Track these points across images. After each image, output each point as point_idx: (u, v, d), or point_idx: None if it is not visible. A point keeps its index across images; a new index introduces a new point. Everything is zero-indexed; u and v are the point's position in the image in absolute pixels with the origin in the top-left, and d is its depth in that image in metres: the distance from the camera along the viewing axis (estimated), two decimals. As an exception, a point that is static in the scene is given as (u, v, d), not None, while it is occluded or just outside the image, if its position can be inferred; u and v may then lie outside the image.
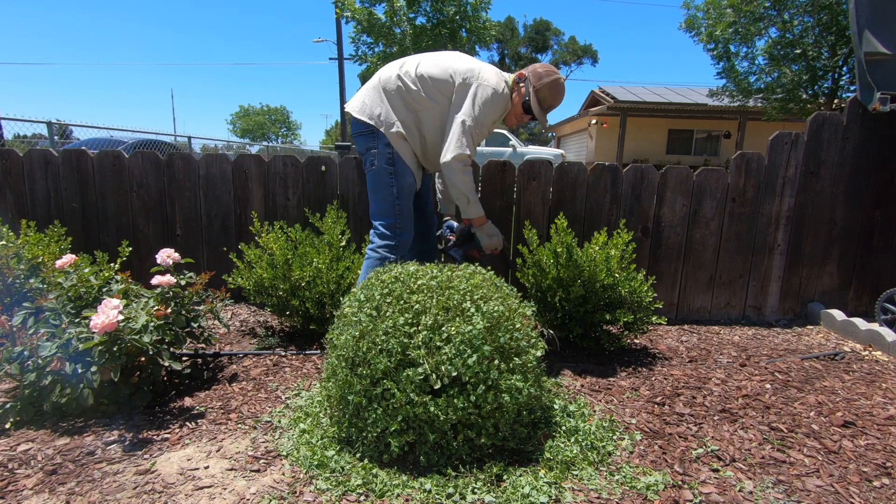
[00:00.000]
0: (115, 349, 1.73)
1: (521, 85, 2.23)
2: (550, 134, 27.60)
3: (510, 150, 13.06)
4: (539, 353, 1.63)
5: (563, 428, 1.71)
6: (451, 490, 1.40)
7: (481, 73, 2.15)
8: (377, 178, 2.23)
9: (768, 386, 2.16)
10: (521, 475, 1.47)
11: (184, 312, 2.06)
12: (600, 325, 2.40)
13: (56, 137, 6.04)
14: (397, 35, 10.31)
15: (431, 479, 1.44)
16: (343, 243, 2.62)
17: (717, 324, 3.04)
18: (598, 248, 2.40)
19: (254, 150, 18.31)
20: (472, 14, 10.12)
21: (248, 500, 1.38)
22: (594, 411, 1.90)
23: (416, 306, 1.56)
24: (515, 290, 1.85)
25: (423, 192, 2.45)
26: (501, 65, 33.37)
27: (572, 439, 1.66)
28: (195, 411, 1.86)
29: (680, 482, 1.49)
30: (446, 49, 10.42)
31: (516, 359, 1.56)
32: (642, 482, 1.47)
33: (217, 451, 1.61)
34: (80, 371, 1.70)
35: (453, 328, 1.50)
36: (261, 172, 3.04)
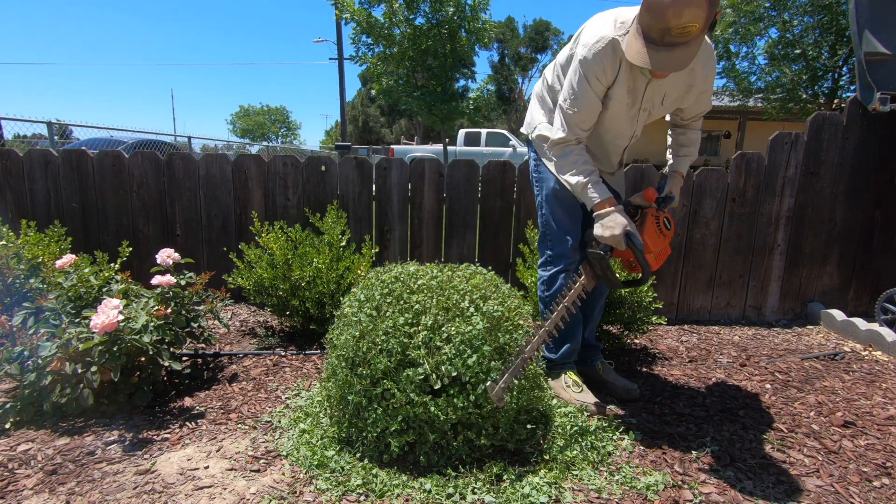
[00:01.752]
0: (115, 349, 1.73)
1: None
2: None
3: (510, 150, 13.06)
4: (538, 354, 1.63)
5: (563, 428, 1.71)
6: (451, 490, 1.40)
7: (581, 35, 1.70)
8: (532, 186, 2.06)
9: (768, 386, 2.16)
10: (520, 475, 1.47)
11: (184, 312, 2.06)
12: (600, 325, 2.40)
13: (56, 137, 6.03)
14: (396, 36, 10.31)
15: (431, 480, 1.44)
16: (343, 243, 2.62)
17: (717, 324, 3.04)
18: (598, 248, 2.40)
19: (254, 150, 18.32)
20: (472, 15, 10.10)
21: (248, 500, 1.38)
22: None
23: (416, 306, 1.56)
24: (516, 289, 1.85)
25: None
26: (501, 65, 33.12)
27: (572, 439, 1.65)
28: (195, 411, 1.86)
29: (680, 482, 1.49)
30: (445, 50, 10.39)
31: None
32: (642, 482, 1.47)
33: (217, 451, 1.61)
34: (80, 371, 1.70)
35: (453, 328, 1.50)
36: (261, 172, 3.04)
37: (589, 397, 1.91)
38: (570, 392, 1.92)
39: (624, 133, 1.84)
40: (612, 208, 1.67)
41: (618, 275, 1.73)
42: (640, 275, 1.71)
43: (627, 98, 1.71)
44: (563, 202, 1.92)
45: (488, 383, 1.48)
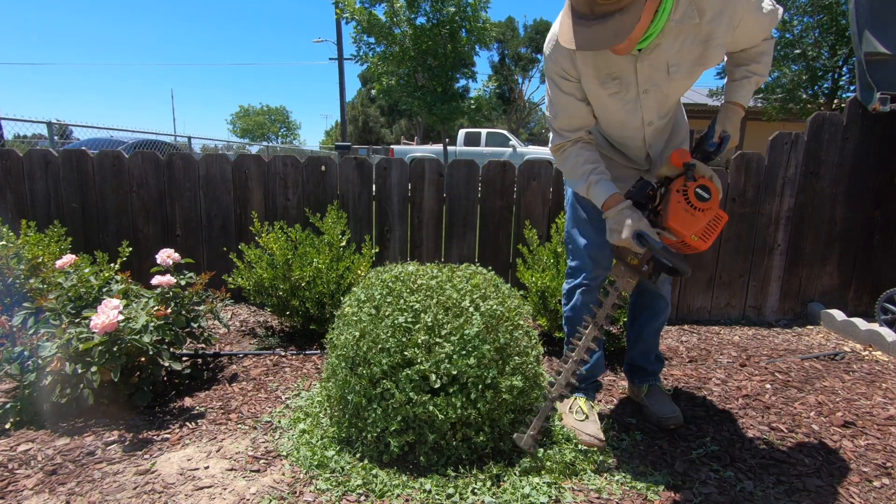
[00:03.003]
0: (115, 349, 1.73)
1: None
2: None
3: (510, 150, 13.07)
4: (538, 353, 1.63)
5: (564, 428, 1.71)
6: (450, 490, 1.40)
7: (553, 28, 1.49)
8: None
9: (768, 386, 2.16)
10: (520, 475, 1.47)
11: (184, 312, 2.06)
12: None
13: (56, 137, 6.03)
14: (397, 36, 10.31)
15: (431, 480, 1.44)
16: (343, 243, 2.62)
17: (717, 324, 3.04)
18: (598, 248, 2.39)
19: (254, 150, 18.32)
20: (472, 14, 10.11)
21: (248, 500, 1.38)
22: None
23: (416, 306, 1.56)
24: (516, 289, 1.85)
25: None
26: (501, 65, 33.10)
27: (572, 440, 1.65)
28: (195, 411, 1.86)
29: (680, 482, 1.49)
30: (446, 49, 10.39)
31: (516, 358, 1.56)
32: (642, 482, 1.47)
33: (217, 451, 1.61)
34: (80, 371, 1.70)
35: (453, 327, 1.50)
36: (261, 172, 3.04)
37: (588, 428, 1.69)
38: (571, 418, 1.74)
39: (629, 124, 1.59)
40: (616, 207, 1.45)
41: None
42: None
43: (603, 89, 1.48)
44: (584, 205, 1.73)
45: (514, 435, 1.49)
